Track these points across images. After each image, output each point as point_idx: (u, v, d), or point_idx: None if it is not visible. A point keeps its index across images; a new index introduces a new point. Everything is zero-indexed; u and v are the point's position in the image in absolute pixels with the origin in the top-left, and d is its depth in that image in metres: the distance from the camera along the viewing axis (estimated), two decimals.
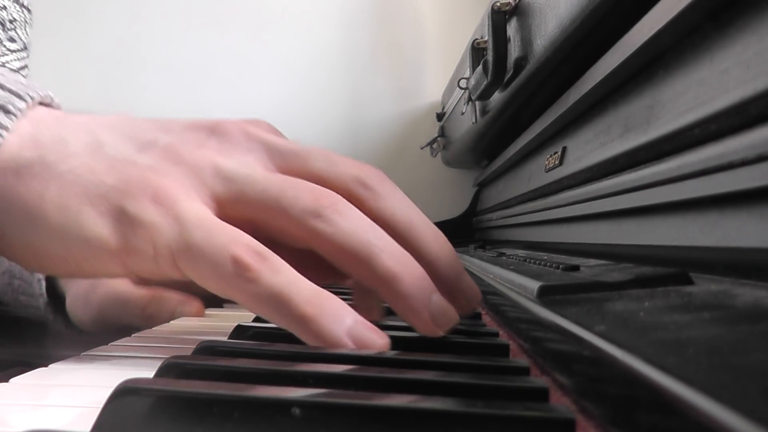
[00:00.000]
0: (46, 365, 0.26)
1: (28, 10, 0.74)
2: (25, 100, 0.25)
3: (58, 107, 0.28)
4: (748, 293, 0.21)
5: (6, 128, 0.24)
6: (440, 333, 0.26)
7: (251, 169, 0.27)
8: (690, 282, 0.26)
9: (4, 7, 0.68)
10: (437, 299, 0.26)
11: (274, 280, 0.24)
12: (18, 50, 0.73)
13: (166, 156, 0.26)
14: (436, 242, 0.28)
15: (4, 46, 0.70)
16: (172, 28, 1.33)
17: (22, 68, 0.73)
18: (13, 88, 0.25)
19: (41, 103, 0.27)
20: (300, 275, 0.25)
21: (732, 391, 0.12)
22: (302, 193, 0.26)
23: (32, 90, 0.26)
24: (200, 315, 0.44)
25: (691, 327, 0.19)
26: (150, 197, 0.24)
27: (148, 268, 0.25)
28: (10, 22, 0.70)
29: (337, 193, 0.27)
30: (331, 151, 0.30)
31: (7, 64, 0.71)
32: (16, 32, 0.72)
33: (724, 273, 0.25)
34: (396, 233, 0.27)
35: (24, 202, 0.24)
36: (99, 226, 0.24)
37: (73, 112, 0.28)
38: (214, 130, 0.28)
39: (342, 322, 0.24)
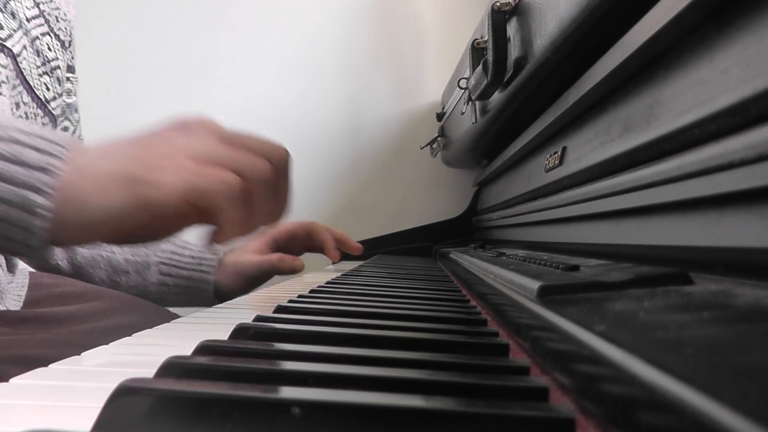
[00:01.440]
0: (46, 365, 0.26)
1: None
2: (65, 147, 0.38)
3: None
4: (748, 293, 0.21)
5: (58, 167, 0.37)
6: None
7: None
8: (690, 282, 0.26)
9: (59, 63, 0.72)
10: None
11: None
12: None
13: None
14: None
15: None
16: (172, 28, 1.33)
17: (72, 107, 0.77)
18: (55, 139, 0.39)
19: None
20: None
21: (732, 391, 0.12)
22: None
23: (69, 139, 0.39)
24: (301, 269, 0.84)
25: (691, 327, 0.19)
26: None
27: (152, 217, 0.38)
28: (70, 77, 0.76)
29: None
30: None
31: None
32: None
33: (724, 273, 0.25)
34: None
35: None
36: (119, 197, 0.37)
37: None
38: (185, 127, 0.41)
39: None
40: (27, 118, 0.63)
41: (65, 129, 0.78)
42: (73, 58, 0.75)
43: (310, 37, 1.33)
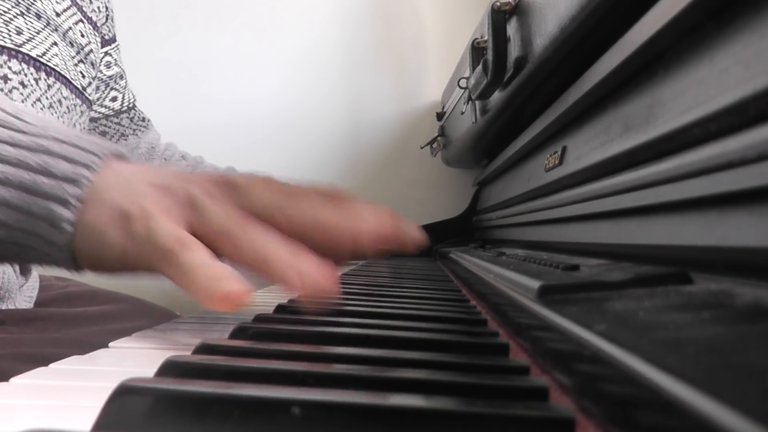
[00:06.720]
0: (46, 365, 0.26)
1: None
2: (100, 157, 0.36)
3: (124, 157, 0.39)
4: (748, 293, 0.21)
5: (88, 178, 0.35)
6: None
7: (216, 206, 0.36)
8: (690, 281, 0.26)
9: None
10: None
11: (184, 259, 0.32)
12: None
13: (164, 192, 0.36)
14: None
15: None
16: (172, 28, 1.33)
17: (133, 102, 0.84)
18: (91, 149, 0.36)
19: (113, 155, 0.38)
20: (207, 258, 0.33)
21: (732, 391, 0.12)
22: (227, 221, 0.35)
23: (105, 149, 0.37)
24: None
25: (691, 326, 0.19)
26: (142, 216, 0.35)
27: (140, 261, 0.35)
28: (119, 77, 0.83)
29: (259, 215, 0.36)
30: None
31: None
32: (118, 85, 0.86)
33: (724, 273, 0.25)
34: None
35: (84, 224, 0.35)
36: (115, 237, 0.35)
37: (130, 163, 0.38)
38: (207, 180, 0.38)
39: (219, 282, 0.31)
40: (69, 111, 0.63)
41: (113, 99, 0.83)
42: (111, 29, 0.77)
43: (310, 37, 1.33)
